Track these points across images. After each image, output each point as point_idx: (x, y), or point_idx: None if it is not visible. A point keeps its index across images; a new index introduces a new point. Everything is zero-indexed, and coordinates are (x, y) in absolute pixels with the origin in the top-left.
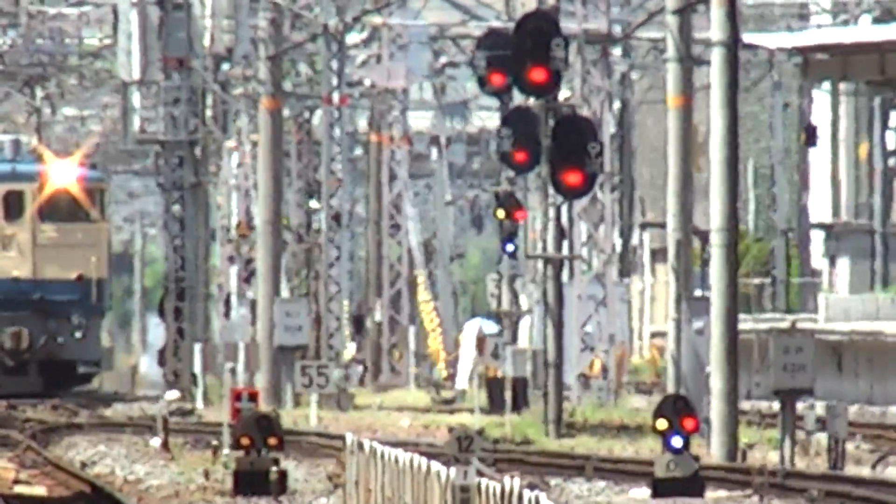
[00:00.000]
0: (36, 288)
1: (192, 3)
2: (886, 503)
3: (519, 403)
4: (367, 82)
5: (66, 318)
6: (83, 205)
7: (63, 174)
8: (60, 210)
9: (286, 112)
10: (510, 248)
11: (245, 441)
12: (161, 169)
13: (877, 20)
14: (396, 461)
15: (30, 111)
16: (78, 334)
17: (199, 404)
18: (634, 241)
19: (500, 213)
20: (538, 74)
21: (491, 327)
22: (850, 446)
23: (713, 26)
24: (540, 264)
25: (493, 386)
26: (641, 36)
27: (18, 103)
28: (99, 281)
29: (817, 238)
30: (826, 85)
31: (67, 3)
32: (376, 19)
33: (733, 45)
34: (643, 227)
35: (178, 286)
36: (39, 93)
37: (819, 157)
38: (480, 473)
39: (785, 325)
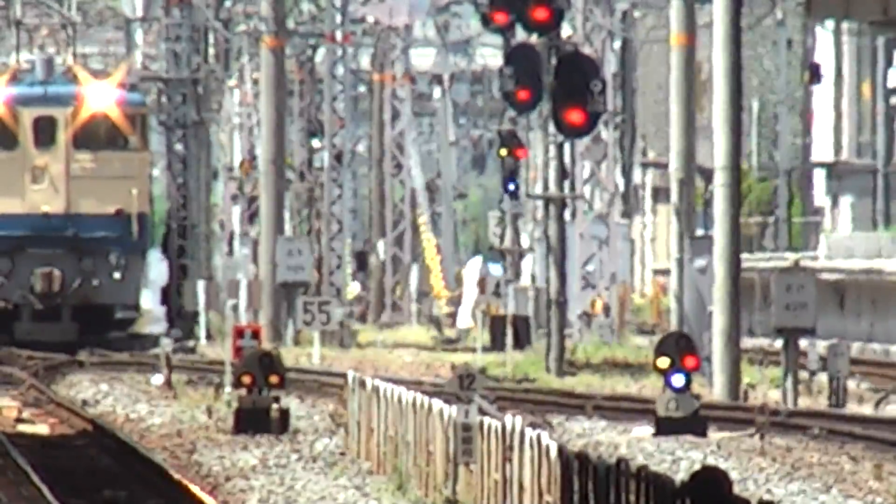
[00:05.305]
0: (69, 224)
1: None
2: (888, 441)
3: (521, 342)
4: (371, 20)
5: (104, 257)
6: (123, 131)
7: (100, 97)
8: (97, 137)
9: (288, 50)
10: (512, 186)
11: (246, 379)
12: (164, 107)
13: None
14: (398, 399)
15: (63, 23)
16: (116, 275)
17: (202, 341)
18: (636, 180)
19: (503, 152)
20: (541, 12)
21: (496, 270)
22: (851, 385)
23: None
24: (541, 203)
25: (496, 324)
26: None
27: (50, 18)
28: (140, 216)
29: (819, 177)
30: (829, 24)
31: None
32: None
33: None
34: (645, 166)
35: (180, 224)
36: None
37: (821, 96)
38: (482, 412)
39: (787, 263)
